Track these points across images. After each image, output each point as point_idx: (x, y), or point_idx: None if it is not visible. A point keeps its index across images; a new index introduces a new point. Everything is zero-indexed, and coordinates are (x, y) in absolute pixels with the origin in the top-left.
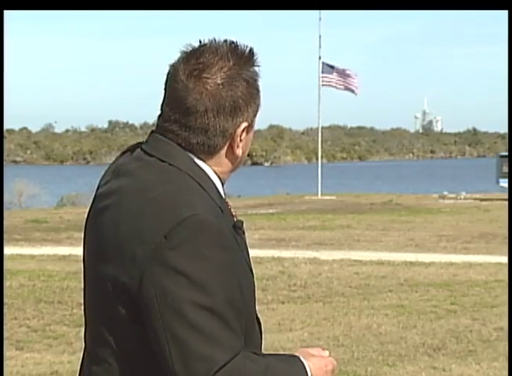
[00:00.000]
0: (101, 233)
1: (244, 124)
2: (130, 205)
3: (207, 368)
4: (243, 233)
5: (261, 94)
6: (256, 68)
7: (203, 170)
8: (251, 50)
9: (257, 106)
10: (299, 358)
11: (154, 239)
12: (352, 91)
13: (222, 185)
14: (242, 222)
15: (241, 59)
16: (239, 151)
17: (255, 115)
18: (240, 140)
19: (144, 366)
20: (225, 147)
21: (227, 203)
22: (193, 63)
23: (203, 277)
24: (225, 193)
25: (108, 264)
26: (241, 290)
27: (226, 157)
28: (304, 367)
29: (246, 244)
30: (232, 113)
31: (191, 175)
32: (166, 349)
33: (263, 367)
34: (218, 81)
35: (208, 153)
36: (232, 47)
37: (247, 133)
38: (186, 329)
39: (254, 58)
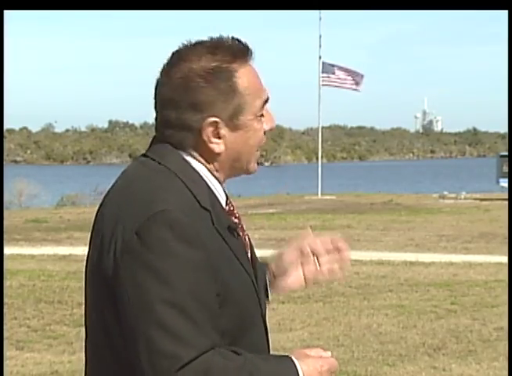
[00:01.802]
0: (92, 232)
1: (211, 119)
2: (114, 201)
3: (170, 365)
4: (239, 235)
5: (244, 94)
6: (233, 65)
7: (194, 168)
8: (233, 47)
9: (234, 104)
10: (291, 359)
11: (127, 233)
12: (355, 89)
13: (221, 184)
14: (237, 224)
15: (216, 55)
16: (217, 148)
17: (234, 113)
18: (216, 136)
19: (129, 363)
20: (200, 143)
21: (230, 203)
22: (171, 59)
23: (170, 273)
24: (226, 193)
25: (95, 260)
26: (226, 290)
27: (209, 154)
28: (296, 368)
29: (244, 245)
30: (194, 107)
31: (177, 173)
32: (135, 345)
33: (238, 365)
34: (182, 75)
35: (185, 148)
36: (214, 43)
37: (229, 130)
38: (152, 325)
39: (233, 55)
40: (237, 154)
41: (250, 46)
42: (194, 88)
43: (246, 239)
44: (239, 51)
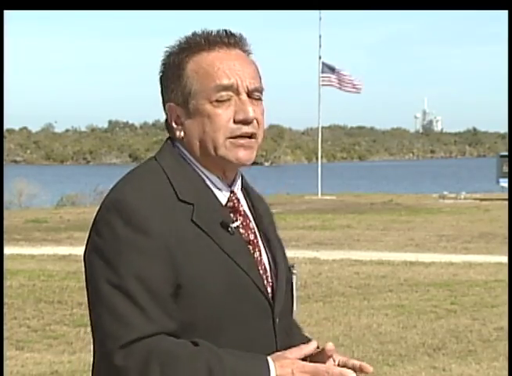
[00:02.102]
0: None
1: (168, 104)
2: None
3: (112, 345)
4: (234, 232)
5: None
6: (191, 52)
7: (188, 162)
8: (203, 36)
9: (183, 88)
10: (266, 358)
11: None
12: (355, 90)
13: (221, 177)
14: (233, 221)
15: (186, 44)
16: (178, 133)
17: (185, 98)
18: (177, 123)
19: None
20: (171, 131)
21: (234, 199)
22: None
23: (116, 257)
24: (241, 187)
25: None
26: (193, 283)
27: (179, 142)
28: (268, 366)
29: (245, 243)
30: (162, 96)
31: (165, 168)
32: (92, 326)
33: (191, 352)
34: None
35: (175, 140)
36: (194, 34)
37: (186, 115)
38: (100, 307)
39: (196, 43)
40: (197, 141)
41: (226, 33)
42: (162, 78)
43: (252, 237)
44: (207, 38)
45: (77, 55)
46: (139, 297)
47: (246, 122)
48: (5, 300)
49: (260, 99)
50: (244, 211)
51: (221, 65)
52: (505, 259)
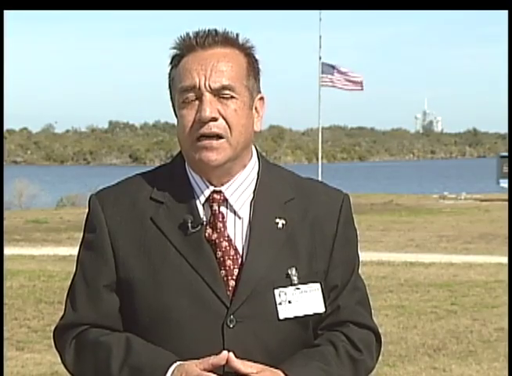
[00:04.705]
0: None
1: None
2: None
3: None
4: (190, 233)
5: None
6: (178, 57)
7: (183, 164)
8: (186, 38)
9: (172, 92)
10: (172, 362)
11: None
12: (356, 88)
13: (204, 179)
14: (195, 221)
15: (171, 54)
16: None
17: (173, 102)
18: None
19: None
20: None
21: (213, 199)
22: None
23: (79, 247)
24: (220, 184)
25: None
26: (133, 277)
27: None
28: (167, 369)
29: (202, 242)
30: None
31: (157, 169)
32: None
33: (100, 343)
34: None
35: None
36: (173, 45)
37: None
38: None
39: (179, 48)
40: (180, 143)
41: (205, 34)
42: None
43: (214, 237)
44: (185, 45)
45: (77, 55)
46: (78, 285)
47: (202, 122)
48: (6, 300)
49: (233, 98)
50: (220, 211)
51: (190, 66)
52: (505, 260)
